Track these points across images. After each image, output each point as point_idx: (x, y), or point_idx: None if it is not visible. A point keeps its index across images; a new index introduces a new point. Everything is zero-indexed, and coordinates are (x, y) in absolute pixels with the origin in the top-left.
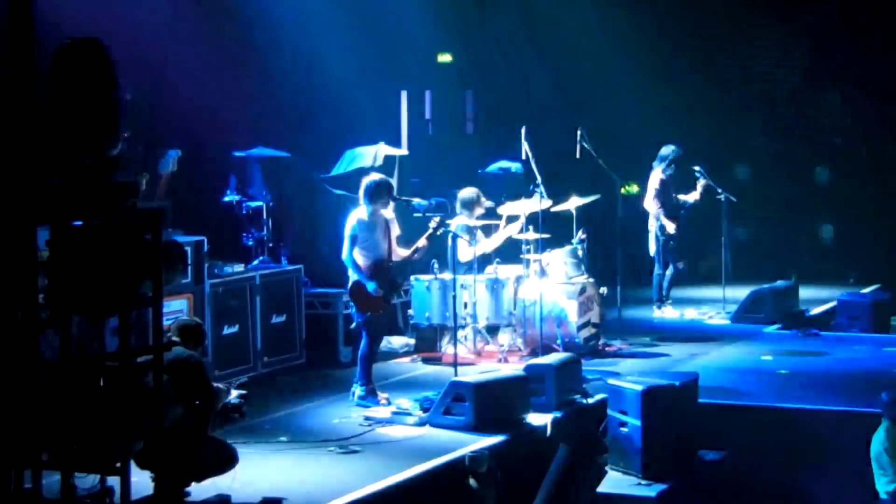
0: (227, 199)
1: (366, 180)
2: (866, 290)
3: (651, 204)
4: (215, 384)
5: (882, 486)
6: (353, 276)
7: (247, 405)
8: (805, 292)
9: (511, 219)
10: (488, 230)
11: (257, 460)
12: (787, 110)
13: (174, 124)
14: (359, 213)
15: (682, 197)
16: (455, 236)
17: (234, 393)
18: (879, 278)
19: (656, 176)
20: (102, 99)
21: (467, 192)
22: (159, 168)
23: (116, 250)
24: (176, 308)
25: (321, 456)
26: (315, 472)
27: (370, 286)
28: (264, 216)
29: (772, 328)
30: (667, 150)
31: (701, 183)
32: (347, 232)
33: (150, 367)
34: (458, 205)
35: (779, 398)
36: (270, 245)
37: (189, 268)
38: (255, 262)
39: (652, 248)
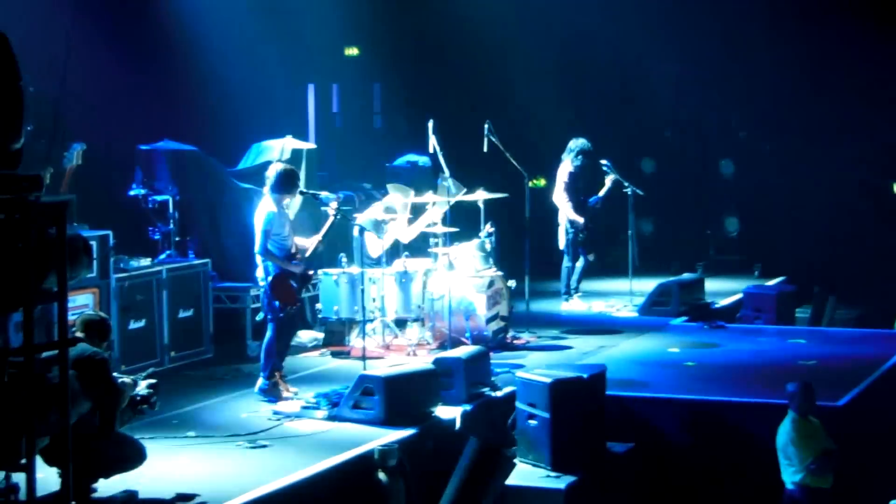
0: (132, 192)
1: (273, 170)
2: (771, 283)
3: (560, 197)
4: (122, 378)
5: (788, 477)
6: (270, 268)
7: (157, 396)
8: (711, 285)
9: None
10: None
11: (166, 455)
12: (691, 104)
13: (79, 117)
14: (268, 206)
15: (593, 199)
16: (363, 230)
17: (143, 384)
18: (784, 270)
19: (565, 169)
20: (5, 91)
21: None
22: (63, 162)
23: (20, 245)
24: (81, 303)
25: (230, 450)
26: (225, 467)
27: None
28: (171, 210)
29: (678, 320)
30: (575, 142)
31: (609, 177)
32: (260, 225)
33: (55, 363)
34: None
35: (686, 390)
36: (177, 239)
37: (94, 262)
38: (162, 257)
39: (562, 242)
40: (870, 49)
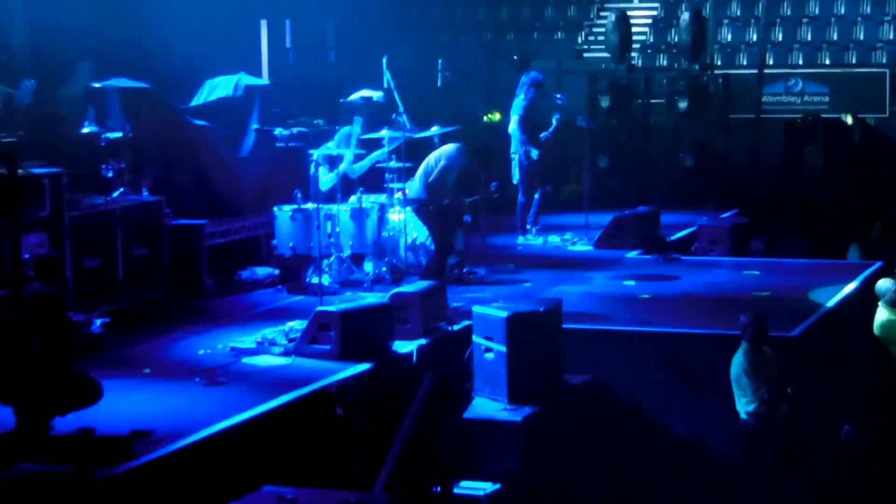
0: (84, 130)
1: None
2: (726, 215)
3: (515, 129)
4: (75, 317)
5: (742, 407)
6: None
7: (110, 334)
8: (666, 218)
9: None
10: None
11: (122, 393)
12: (645, 38)
13: (29, 55)
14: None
15: (543, 134)
16: (317, 165)
17: (97, 322)
18: (739, 203)
19: (519, 102)
20: None
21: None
22: (14, 100)
23: None
24: (35, 242)
25: (187, 388)
26: (181, 404)
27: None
28: (123, 148)
29: (633, 254)
30: (527, 76)
31: (556, 116)
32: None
33: (9, 302)
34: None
35: (641, 323)
36: (131, 177)
37: (47, 200)
38: (116, 194)
39: (516, 176)
40: None
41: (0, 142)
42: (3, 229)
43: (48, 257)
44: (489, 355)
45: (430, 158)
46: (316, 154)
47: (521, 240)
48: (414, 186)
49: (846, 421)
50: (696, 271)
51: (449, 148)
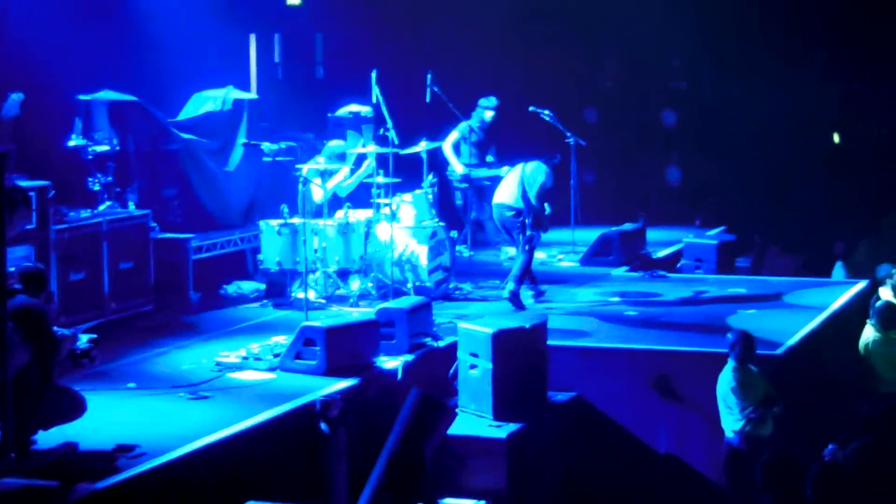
0: (71, 143)
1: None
2: (712, 233)
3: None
4: (60, 331)
5: (729, 426)
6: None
7: (96, 349)
8: (652, 235)
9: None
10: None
11: (106, 407)
12: (634, 53)
13: (16, 67)
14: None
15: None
16: (307, 180)
17: (84, 338)
18: (725, 220)
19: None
20: None
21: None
22: (2, 112)
23: None
24: (20, 255)
25: (171, 402)
26: (166, 419)
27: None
28: (110, 161)
29: (619, 270)
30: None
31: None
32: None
33: None
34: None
35: (627, 340)
36: (117, 190)
37: (33, 213)
38: (102, 208)
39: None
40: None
41: None
42: None
43: (33, 270)
44: (474, 372)
45: (523, 172)
46: (305, 169)
47: (503, 256)
48: (510, 195)
49: (831, 440)
50: (682, 288)
51: (539, 165)
